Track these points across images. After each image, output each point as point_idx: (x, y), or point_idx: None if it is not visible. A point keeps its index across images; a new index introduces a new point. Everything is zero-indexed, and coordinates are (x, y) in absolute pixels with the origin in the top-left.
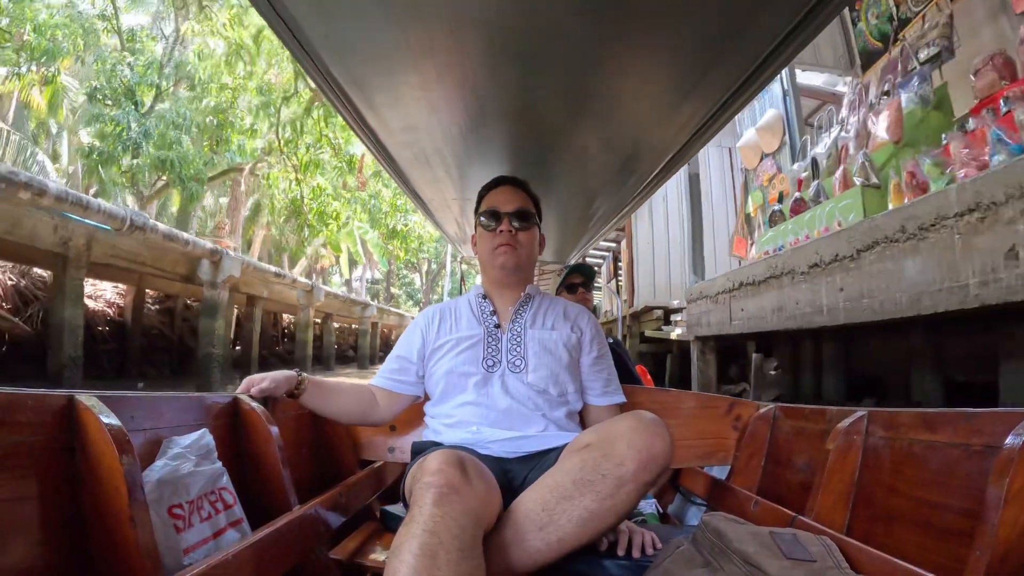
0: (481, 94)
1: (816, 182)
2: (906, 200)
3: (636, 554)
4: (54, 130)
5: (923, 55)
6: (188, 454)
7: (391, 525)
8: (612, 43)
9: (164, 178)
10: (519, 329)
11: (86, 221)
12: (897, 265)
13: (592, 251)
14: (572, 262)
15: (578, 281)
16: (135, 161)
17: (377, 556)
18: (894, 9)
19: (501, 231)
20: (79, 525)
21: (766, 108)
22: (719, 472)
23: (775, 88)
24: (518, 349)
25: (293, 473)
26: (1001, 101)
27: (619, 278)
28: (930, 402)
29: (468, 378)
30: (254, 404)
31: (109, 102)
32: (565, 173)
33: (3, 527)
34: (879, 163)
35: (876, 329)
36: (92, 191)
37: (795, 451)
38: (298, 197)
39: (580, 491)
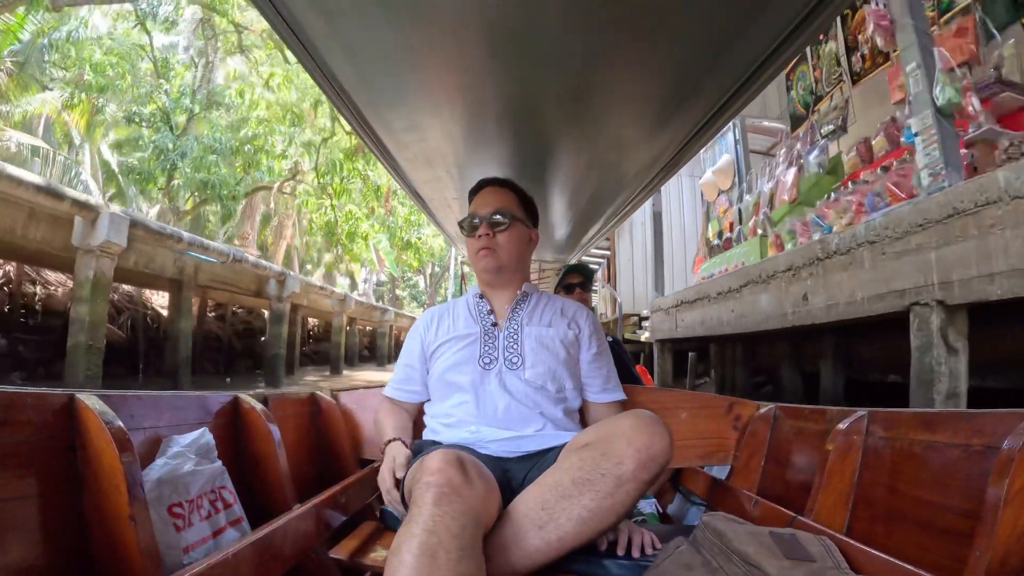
0: (482, 95)
1: (739, 227)
2: (771, 254)
3: (636, 554)
4: (77, 141)
5: (825, 130)
6: (188, 453)
7: (391, 524)
8: (612, 45)
9: (198, 195)
10: (516, 327)
11: (203, 257)
12: (757, 298)
13: (585, 257)
14: (573, 261)
15: (576, 281)
16: (176, 182)
17: (377, 555)
18: (813, 84)
19: (480, 235)
20: (80, 523)
21: (722, 152)
22: (719, 472)
23: (729, 137)
24: (515, 346)
25: (293, 472)
26: (850, 183)
27: (611, 282)
28: (791, 389)
29: (466, 377)
30: (254, 403)
31: (145, 124)
32: (565, 172)
33: (4, 525)
34: (777, 218)
35: (762, 338)
36: (108, 195)
37: (795, 451)
38: (332, 220)
39: (579, 490)
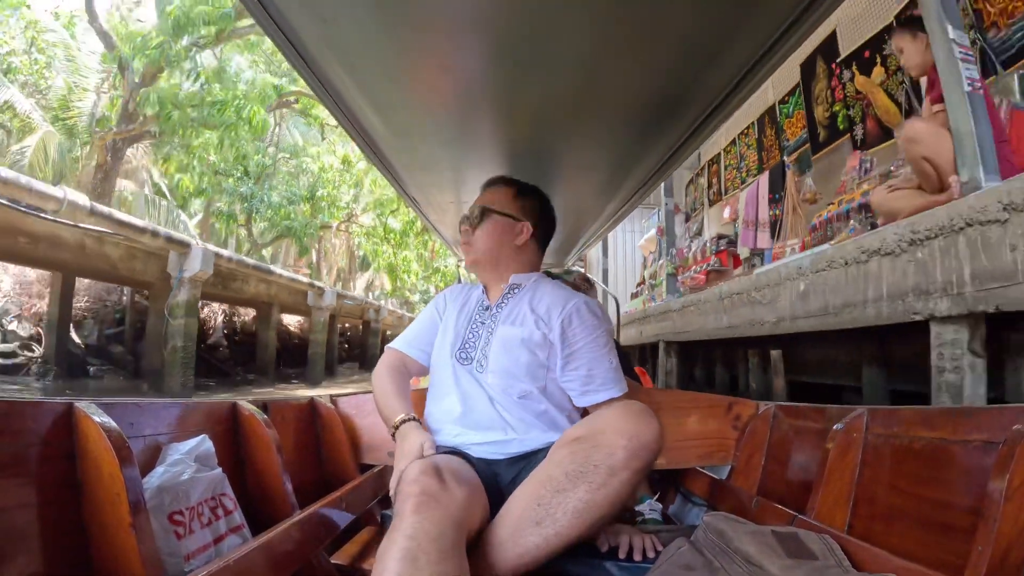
0: (476, 98)
1: (644, 285)
2: (644, 307)
3: (637, 557)
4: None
5: (691, 232)
6: (188, 460)
7: None
8: (607, 48)
9: (273, 231)
10: (493, 324)
11: (350, 302)
12: (631, 329)
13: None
14: (570, 264)
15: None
16: (262, 225)
17: None
18: (694, 197)
19: (462, 230)
20: (80, 532)
21: (652, 227)
22: (719, 472)
23: (655, 218)
24: (487, 347)
25: (293, 478)
26: (678, 277)
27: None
28: (659, 372)
29: (447, 371)
30: (253, 410)
31: (226, 175)
32: (561, 175)
33: (4, 535)
34: (658, 284)
35: (640, 348)
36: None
37: (795, 450)
38: (394, 263)
39: (573, 483)
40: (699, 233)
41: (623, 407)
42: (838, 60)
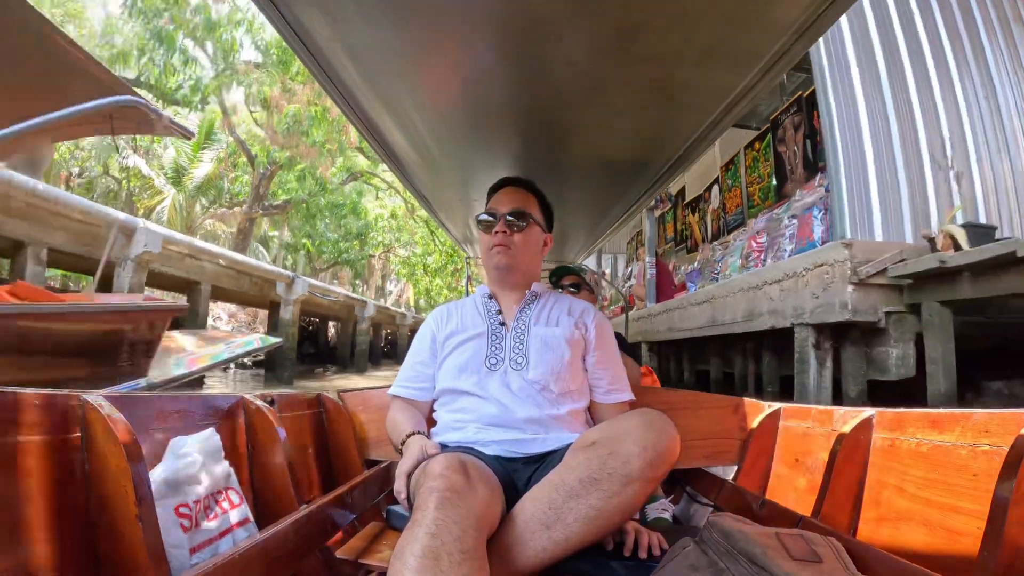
0: (487, 101)
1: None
2: None
3: (643, 555)
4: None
5: (627, 274)
6: (195, 453)
7: (397, 525)
8: (614, 50)
9: (330, 258)
10: (523, 327)
11: (415, 318)
12: None
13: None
14: (580, 261)
15: (567, 283)
16: (324, 255)
17: (383, 555)
18: (631, 252)
19: (496, 232)
20: (87, 524)
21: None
22: (726, 472)
23: (591, 260)
24: (521, 347)
25: (299, 473)
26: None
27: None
28: None
29: (472, 376)
30: (261, 404)
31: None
32: (568, 177)
33: (12, 525)
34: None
35: None
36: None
37: (802, 451)
38: (429, 288)
39: (586, 489)
40: (630, 277)
41: (643, 414)
42: (684, 202)
